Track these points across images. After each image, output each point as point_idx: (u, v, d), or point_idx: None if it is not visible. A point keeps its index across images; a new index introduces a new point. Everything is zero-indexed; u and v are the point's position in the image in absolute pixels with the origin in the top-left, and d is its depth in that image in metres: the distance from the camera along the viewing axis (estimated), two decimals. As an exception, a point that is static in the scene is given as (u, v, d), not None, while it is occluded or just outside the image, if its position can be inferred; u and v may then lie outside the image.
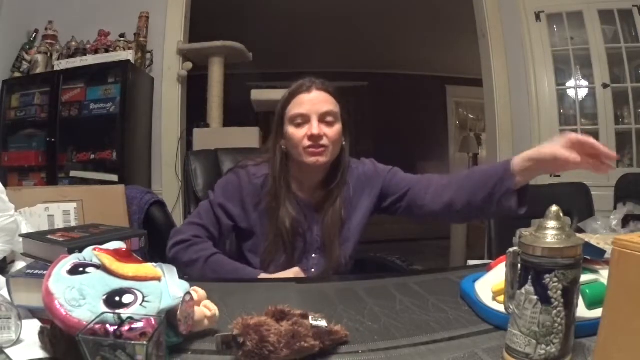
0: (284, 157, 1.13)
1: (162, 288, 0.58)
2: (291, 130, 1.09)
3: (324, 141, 1.07)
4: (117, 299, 0.54)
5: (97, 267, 0.58)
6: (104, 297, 0.53)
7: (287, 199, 1.11)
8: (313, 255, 1.14)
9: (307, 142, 1.07)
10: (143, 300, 0.55)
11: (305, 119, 1.08)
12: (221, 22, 3.99)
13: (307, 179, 1.15)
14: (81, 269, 0.57)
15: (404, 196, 1.15)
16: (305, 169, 1.11)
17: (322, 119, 1.08)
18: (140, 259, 0.63)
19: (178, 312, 0.57)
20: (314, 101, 1.09)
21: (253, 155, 1.23)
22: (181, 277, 0.64)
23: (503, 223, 1.57)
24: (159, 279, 0.59)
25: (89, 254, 0.60)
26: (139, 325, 0.49)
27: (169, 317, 0.56)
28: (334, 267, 1.13)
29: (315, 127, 1.06)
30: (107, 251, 0.61)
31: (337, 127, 1.10)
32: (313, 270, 1.13)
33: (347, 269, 1.17)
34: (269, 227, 1.11)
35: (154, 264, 0.64)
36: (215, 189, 1.16)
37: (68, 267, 0.57)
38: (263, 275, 1.05)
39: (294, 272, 1.05)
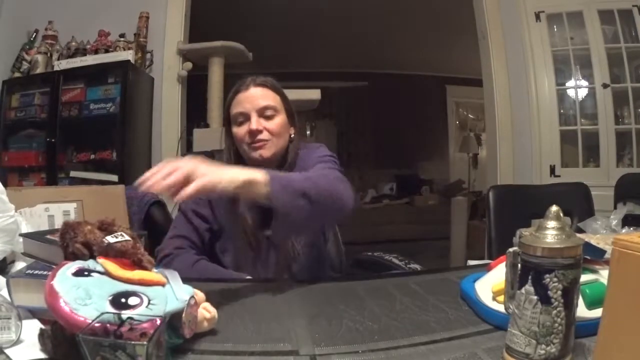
0: (237, 156, 1.16)
1: (167, 293, 0.59)
2: (235, 129, 1.13)
3: (264, 135, 1.10)
4: (123, 300, 0.54)
5: (102, 273, 0.58)
6: (110, 298, 0.54)
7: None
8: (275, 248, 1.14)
9: (248, 139, 1.11)
10: (149, 303, 0.55)
11: (245, 117, 1.12)
12: (221, 22, 3.99)
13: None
14: (86, 273, 0.57)
15: None
16: (254, 164, 1.11)
17: (261, 113, 1.11)
18: (144, 267, 0.63)
19: (183, 315, 0.57)
20: (251, 98, 1.12)
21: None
22: (183, 280, 0.65)
23: (503, 223, 1.57)
24: (163, 285, 0.60)
25: (92, 262, 0.60)
26: (142, 325, 0.49)
27: (172, 318, 0.56)
28: (285, 257, 1.11)
29: (254, 123, 1.10)
30: (111, 259, 0.61)
31: (278, 120, 1.13)
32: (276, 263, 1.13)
33: (303, 258, 1.13)
34: (233, 227, 1.12)
35: (155, 270, 0.64)
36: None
37: (73, 270, 0.57)
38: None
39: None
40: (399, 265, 1.28)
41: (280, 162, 1.16)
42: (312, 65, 5.53)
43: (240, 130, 1.12)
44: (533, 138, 2.84)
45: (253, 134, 1.10)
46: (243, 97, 1.13)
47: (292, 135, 1.17)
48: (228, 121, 1.17)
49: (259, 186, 0.83)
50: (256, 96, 1.13)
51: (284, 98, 1.17)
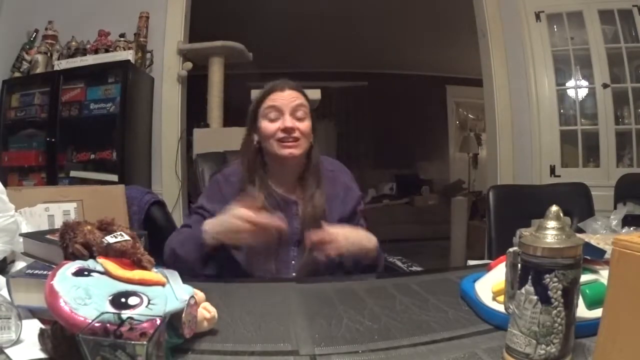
0: (258, 152, 1.18)
1: (167, 293, 0.59)
2: (264, 124, 1.14)
3: (297, 134, 1.12)
4: (123, 300, 0.54)
5: (102, 273, 0.58)
6: (110, 298, 0.54)
7: (261, 192, 1.14)
8: (293, 248, 1.16)
9: (280, 134, 1.12)
10: (149, 303, 0.55)
11: (278, 114, 1.13)
12: (221, 22, 3.99)
13: (285, 174, 1.19)
14: (86, 273, 0.57)
15: None
16: (281, 162, 1.16)
17: (293, 113, 1.14)
18: (144, 267, 0.63)
19: (183, 315, 0.57)
20: (287, 97, 1.14)
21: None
22: (183, 280, 0.65)
23: (503, 223, 1.57)
24: (163, 285, 0.60)
25: (92, 262, 0.60)
26: (142, 325, 0.49)
27: (172, 318, 0.56)
28: (313, 263, 1.11)
29: (288, 120, 1.12)
30: (111, 259, 0.61)
31: (308, 123, 1.16)
32: (293, 262, 1.15)
33: (332, 266, 1.13)
34: None
35: (155, 269, 0.64)
36: (199, 199, 1.22)
37: (73, 270, 0.57)
38: (208, 227, 1.06)
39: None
40: (401, 268, 1.29)
41: (305, 164, 1.19)
42: (312, 65, 5.53)
43: (271, 126, 1.13)
44: (533, 138, 2.84)
45: (287, 131, 1.12)
46: (278, 95, 1.15)
47: (312, 142, 1.20)
48: (254, 117, 1.17)
49: (371, 252, 1.10)
50: (292, 96, 1.15)
51: (309, 105, 1.20)
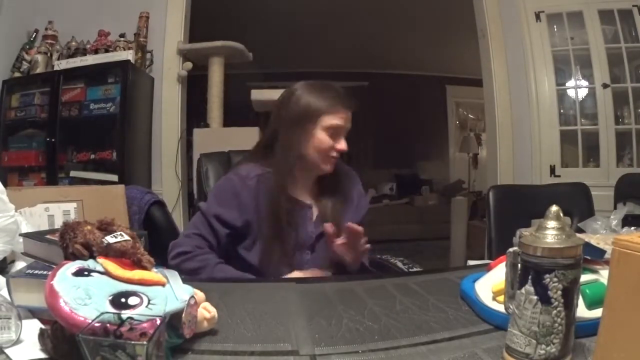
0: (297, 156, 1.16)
1: (167, 293, 0.59)
2: (322, 136, 1.12)
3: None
4: (123, 300, 0.54)
5: (102, 273, 0.58)
6: (110, 298, 0.53)
7: (284, 195, 1.15)
8: (307, 251, 1.17)
9: (334, 153, 1.14)
10: (149, 303, 0.55)
11: (338, 133, 1.13)
12: (221, 22, 3.99)
13: (307, 179, 1.19)
14: (86, 273, 0.57)
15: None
16: (314, 171, 1.17)
17: (345, 135, 1.16)
18: (144, 267, 0.63)
19: (183, 315, 0.57)
20: (348, 120, 1.15)
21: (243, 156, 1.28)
22: (183, 280, 0.65)
23: (503, 223, 1.57)
24: (163, 285, 0.60)
25: (92, 262, 0.60)
26: (142, 325, 0.49)
27: (172, 318, 0.56)
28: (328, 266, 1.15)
29: (344, 144, 1.14)
30: (111, 259, 0.61)
31: None
32: (306, 265, 1.16)
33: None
34: (266, 224, 1.13)
35: (155, 269, 0.64)
36: (208, 198, 1.19)
37: (73, 270, 0.57)
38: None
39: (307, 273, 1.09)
40: (402, 269, 1.29)
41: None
42: (312, 65, 5.53)
43: (328, 142, 1.13)
44: (533, 138, 2.84)
45: (340, 152, 1.14)
46: (344, 114, 1.14)
47: None
48: (312, 122, 1.13)
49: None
50: (350, 119, 1.16)
51: None
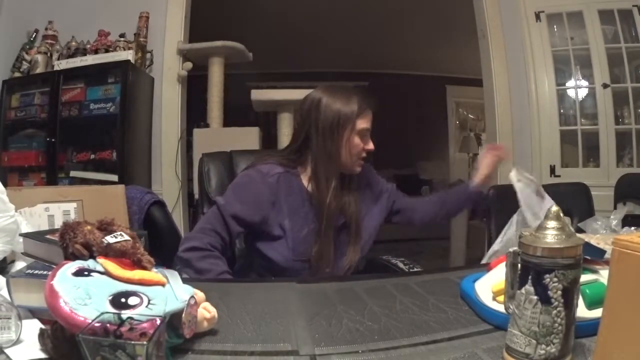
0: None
1: (167, 293, 0.59)
2: (357, 140, 1.18)
3: None
4: (123, 300, 0.54)
5: (102, 273, 0.58)
6: (110, 298, 0.53)
7: (332, 198, 1.19)
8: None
9: (363, 154, 1.20)
10: (149, 303, 0.55)
11: (367, 134, 1.20)
12: (221, 22, 3.99)
13: (331, 181, 1.21)
14: (86, 273, 0.57)
15: (404, 214, 1.42)
16: (344, 172, 1.21)
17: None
18: (144, 267, 0.63)
19: (183, 315, 0.57)
20: (371, 120, 1.21)
21: (263, 154, 1.32)
22: (183, 280, 0.65)
23: (503, 223, 1.57)
24: (163, 285, 0.60)
25: (92, 262, 0.60)
26: (142, 325, 0.49)
27: (172, 318, 0.56)
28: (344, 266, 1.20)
29: (372, 144, 1.20)
30: (111, 259, 0.61)
31: None
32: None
33: (357, 268, 1.23)
34: (318, 225, 1.17)
35: (155, 269, 0.64)
36: (226, 194, 1.19)
37: (73, 270, 0.57)
38: None
39: None
40: (403, 270, 1.30)
41: None
42: (312, 65, 5.53)
43: (361, 144, 1.18)
44: (533, 138, 2.84)
45: (369, 152, 1.20)
46: (370, 116, 1.20)
47: None
48: (350, 127, 1.17)
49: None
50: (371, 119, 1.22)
51: None
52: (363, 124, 1.18)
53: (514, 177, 1.23)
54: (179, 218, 2.85)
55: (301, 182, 1.21)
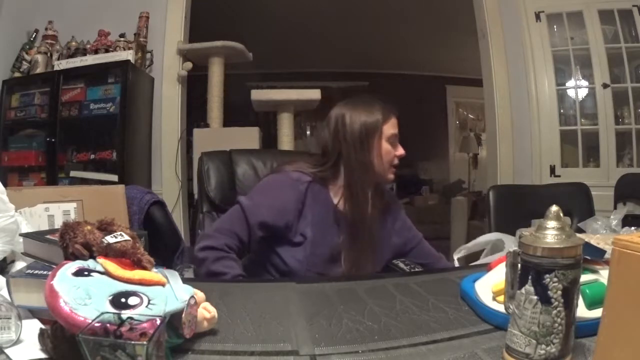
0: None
1: (167, 293, 0.59)
2: (388, 147, 1.19)
3: None
4: (123, 300, 0.54)
5: (102, 273, 0.58)
6: (110, 298, 0.53)
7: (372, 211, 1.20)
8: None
9: (396, 161, 1.21)
10: (149, 303, 0.55)
11: (395, 139, 1.21)
12: (221, 22, 3.99)
13: (367, 192, 1.21)
14: (86, 273, 0.57)
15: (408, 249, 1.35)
16: (378, 181, 1.22)
17: None
18: (144, 267, 0.63)
19: (183, 315, 0.57)
20: (397, 124, 1.22)
21: (289, 159, 1.32)
22: (183, 280, 0.65)
23: (503, 223, 1.57)
24: (163, 285, 0.60)
25: (92, 262, 0.60)
26: (142, 325, 0.49)
27: (172, 318, 0.56)
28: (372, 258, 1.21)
29: (402, 149, 1.21)
30: (111, 259, 0.61)
31: None
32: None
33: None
34: (356, 235, 1.17)
35: (155, 269, 0.64)
36: (252, 195, 1.18)
37: (73, 270, 0.57)
38: None
39: None
40: (403, 270, 1.30)
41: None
42: (312, 65, 5.53)
43: (392, 151, 1.20)
44: (533, 138, 2.84)
45: (401, 158, 1.21)
46: (395, 122, 1.22)
47: None
48: (378, 135, 1.19)
49: None
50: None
51: None
52: (390, 129, 1.19)
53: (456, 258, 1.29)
54: (179, 218, 2.85)
55: (329, 196, 1.20)
